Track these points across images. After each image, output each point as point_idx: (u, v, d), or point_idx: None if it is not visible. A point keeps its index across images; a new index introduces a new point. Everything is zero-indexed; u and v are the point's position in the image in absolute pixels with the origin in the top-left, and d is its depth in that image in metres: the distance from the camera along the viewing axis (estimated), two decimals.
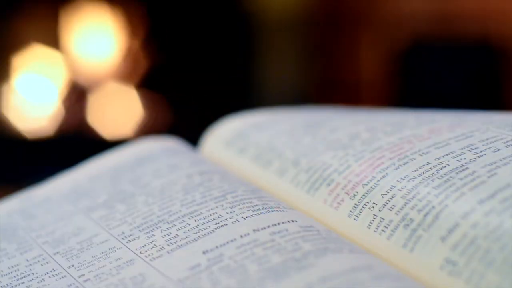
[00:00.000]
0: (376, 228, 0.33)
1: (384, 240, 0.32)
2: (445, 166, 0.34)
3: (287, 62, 1.63)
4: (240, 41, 1.63)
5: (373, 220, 0.33)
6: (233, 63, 1.63)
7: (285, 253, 0.31)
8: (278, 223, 0.33)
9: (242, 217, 0.34)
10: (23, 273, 0.35)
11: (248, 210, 0.35)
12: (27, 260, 0.36)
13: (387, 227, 0.33)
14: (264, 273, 0.30)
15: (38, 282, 0.34)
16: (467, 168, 0.33)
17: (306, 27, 1.63)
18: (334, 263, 0.30)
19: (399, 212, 0.33)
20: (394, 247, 0.32)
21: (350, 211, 0.35)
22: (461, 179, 0.33)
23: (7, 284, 0.34)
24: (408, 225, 0.32)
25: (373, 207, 0.34)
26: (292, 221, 0.34)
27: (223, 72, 1.61)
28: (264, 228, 0.33)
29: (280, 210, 0.35)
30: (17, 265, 0.36)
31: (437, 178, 0.33)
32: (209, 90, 1.58)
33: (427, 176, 0.34)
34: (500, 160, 0.33)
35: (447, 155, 0.35)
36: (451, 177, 0.33)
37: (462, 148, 0.35)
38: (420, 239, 0.31)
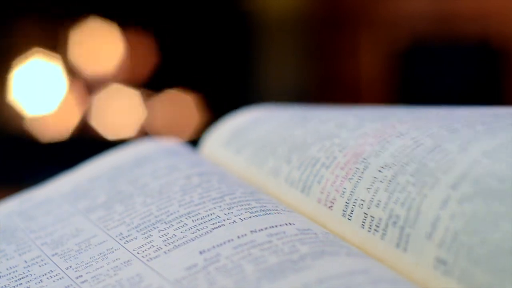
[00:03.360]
0: (369, 228, 0.32)
1: (379, 240, 0.31)
2: (419, 146, 0.32)
3: (287, 62, 1.63)
4: (240, 40, 1.63)
5: (365, 219, 0.32)
6: (233, 63, 1.63)
7: (282, 255, 0.31)
8: (276, 225, 0.33)
9: (240, 218, 0.34)
10: (21, 274, 0.35)
11: (245, 212, 0.35)
12: (26, 261, 0.36)
13: (378, 226, 0.32)
14: (261, 273, 0.29)
15: (36, 284, 0.34)
16: (444, 149, 0.31)
17: (306, 26, 1.63)
18: (331, 266, 0.30)
19: (385, 207, 0.31)
20: (388, 247, 0.31)
21: (343, 210, 0.34)
22: (436, 162, 0.31)
23: (5, 285, 0.34)
24: (395, 222, 0.31)
25: (362, 204, 0.33)
26: (290, 223, 0.33)
27: (223, 72, 1.61)
28: (262, 229, 0.33)
29: (278, 213, 0.35)
30: (16, 266, 0.36)
31: (413, 162, 0.32)
32: (209, 90, 1.59)
33: (405, 162, 0.32)
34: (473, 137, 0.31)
35: (422, 134, 0.33)
36: (427, 160, 0.31)
37: (439, 128, 0.33)
38: (410, 238, 0.30)
